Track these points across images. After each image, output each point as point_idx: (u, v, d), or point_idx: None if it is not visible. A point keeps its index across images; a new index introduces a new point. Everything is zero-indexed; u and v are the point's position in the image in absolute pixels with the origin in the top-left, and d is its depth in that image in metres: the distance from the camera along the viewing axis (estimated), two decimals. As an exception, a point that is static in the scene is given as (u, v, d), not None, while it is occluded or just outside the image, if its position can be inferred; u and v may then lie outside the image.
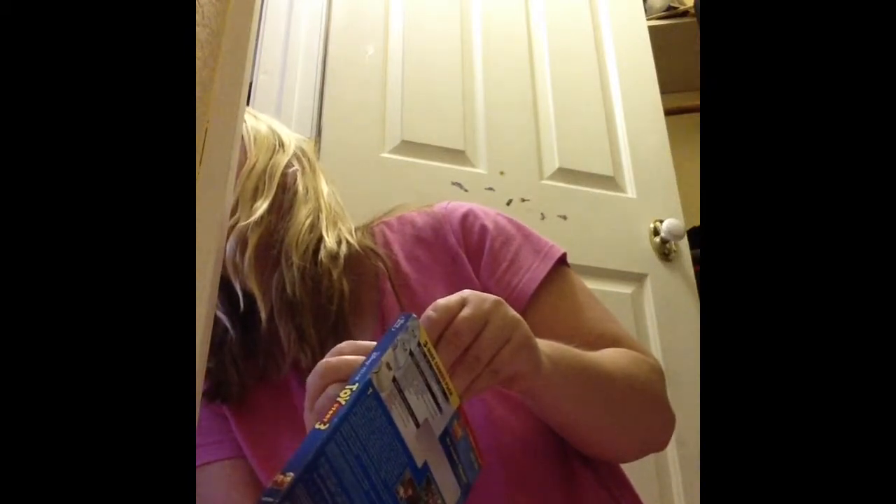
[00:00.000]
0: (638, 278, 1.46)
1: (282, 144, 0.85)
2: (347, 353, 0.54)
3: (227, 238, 0.74)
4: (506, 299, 0.57)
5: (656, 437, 0.75)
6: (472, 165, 1.46)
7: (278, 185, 0.80)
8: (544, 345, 0.60)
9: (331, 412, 0.45)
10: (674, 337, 1.41)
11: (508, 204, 1.42)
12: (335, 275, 0.75)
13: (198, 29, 0.54)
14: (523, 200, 1.44)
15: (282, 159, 0.82)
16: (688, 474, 1.29)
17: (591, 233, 1.45)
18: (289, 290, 0.74)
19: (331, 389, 0.52)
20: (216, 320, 0.79)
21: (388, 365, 0.49)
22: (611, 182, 1.55)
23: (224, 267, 0.75)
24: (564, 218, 1.45)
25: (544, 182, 1.50)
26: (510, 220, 0.83)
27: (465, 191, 1.40)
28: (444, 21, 1.59)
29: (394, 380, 0.49)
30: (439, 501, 0.52)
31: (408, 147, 1.42)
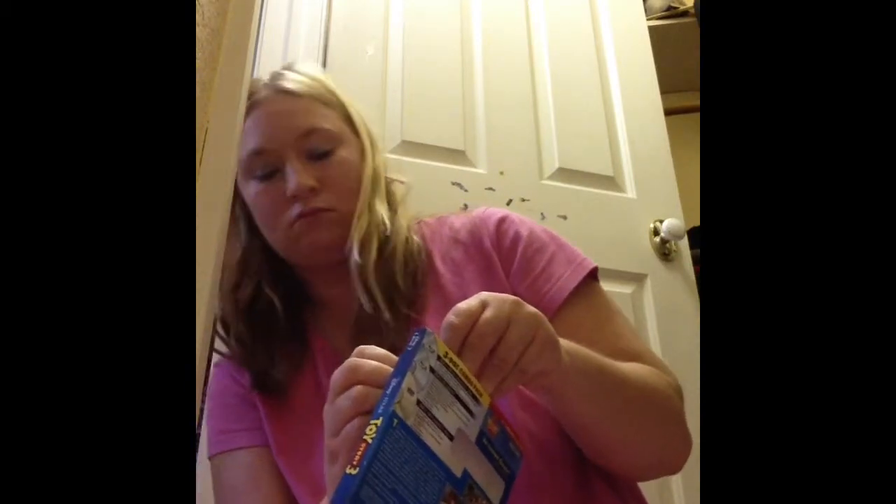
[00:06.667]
0: (638, 278, 1.46)
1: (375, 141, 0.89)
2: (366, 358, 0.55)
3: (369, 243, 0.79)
4: (535, 305, 0.57)
5: (672, 455, 0.74)
6: (472, 165, 1.46)
7: (386, 185, 0.85)
8: (562, 341, 0.60)
9: (359, 453, 0.45)
10: (674, 337, 1.41)
11: (508, 204, 1.41)
12: (413, 268, 0.80)
13: (198, 29, 0.54)
14: (523, 200, 1.44)
15: (381, 158, 0.87)
16: (688, 475, 1.29)
17: (591, 233, 1.45)
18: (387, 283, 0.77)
19: (354, 390, 0.52)
20: (265, 308, 0.82)
21: (409, 390, 0.48)
22: (611, 182, 1.55)
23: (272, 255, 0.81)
24: (564, 218, 1.45)
25: (544, 182, 1.50)
26: (544, 230, 0.84)
27: (465, 191, 1.40)
28: (444, 21, 1.59)
29: (418, 402, 0.48)
30: (483, 502, 0.51)
31: (408, 147, 1.42)
